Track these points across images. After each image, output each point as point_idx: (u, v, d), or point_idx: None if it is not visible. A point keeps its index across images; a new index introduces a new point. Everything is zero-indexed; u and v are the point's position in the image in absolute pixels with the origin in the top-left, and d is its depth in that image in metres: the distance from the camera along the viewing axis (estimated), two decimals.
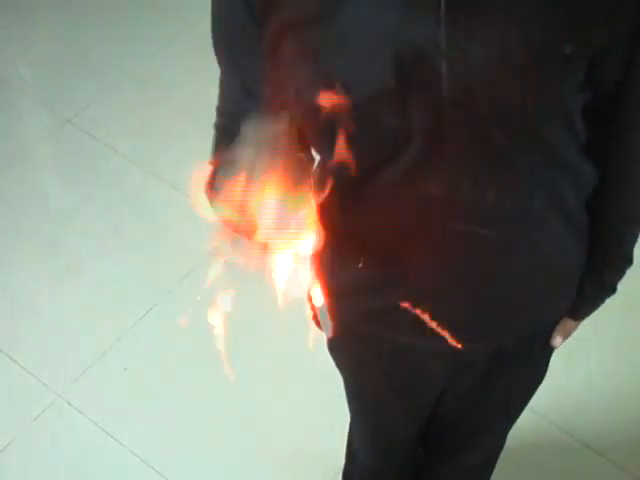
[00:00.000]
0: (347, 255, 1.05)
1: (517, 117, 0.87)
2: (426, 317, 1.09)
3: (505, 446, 1.62)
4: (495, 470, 1.69)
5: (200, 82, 2.61)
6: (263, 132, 0.78)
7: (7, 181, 2.55)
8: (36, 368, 2.12)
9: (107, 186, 2.53)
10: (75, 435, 2.02)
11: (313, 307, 0.92)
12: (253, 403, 2.02)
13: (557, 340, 1.19)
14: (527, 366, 1.25)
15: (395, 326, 1.11)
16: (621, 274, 1.11)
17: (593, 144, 0.96)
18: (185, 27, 2.94)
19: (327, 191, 0.98)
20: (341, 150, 0.92)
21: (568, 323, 1.17)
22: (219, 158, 0.85)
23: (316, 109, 0.86)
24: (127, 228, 2.42)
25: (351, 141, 0.89)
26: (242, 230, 0.78)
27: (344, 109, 0.84)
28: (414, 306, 1.07)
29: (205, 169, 0.84)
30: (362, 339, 1.19)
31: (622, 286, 1.13)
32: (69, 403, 2.06)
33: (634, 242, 1.08)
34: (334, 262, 1.07)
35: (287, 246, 0.79)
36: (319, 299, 0.85)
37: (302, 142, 0.91)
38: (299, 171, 0.79)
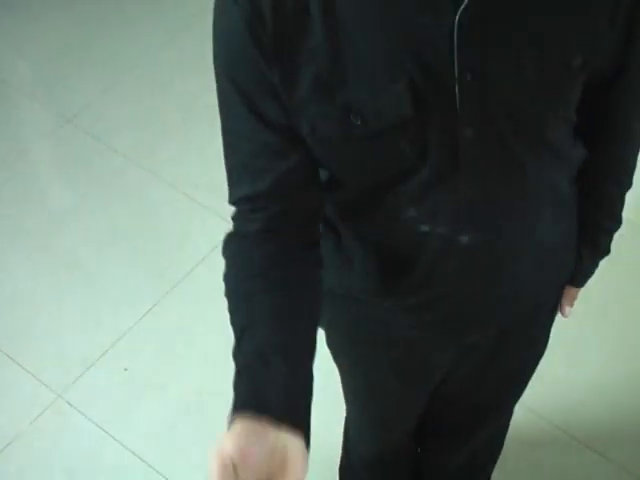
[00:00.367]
0: (354, 259, 1.06)
1: (530, 127, 0.89)
2: (429, 315, 1.10)
3: (505, 446, 1.62)
4: (495, 470, 1.69)
5: (200, 82, 2.61)
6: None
7: (7, 180, 2.55)
8: (36, 368, 2.12)
9: (107, 185, 2.53)
10: (75, 435, 2.01)
11: None
12: None
13: (566, 310, 1.23)
14: (530, 343, 1.27)
15: (402, 324, 1.12)
16: (613, 235, 1.16)
17: (583, 124, 0.98)
18: (185, 27, 2.94)
19: (339, 199, 0.99)
20: (353, 173, 0.93)
21: (572, 291, 1.21)
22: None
23: (329, 140, 0.86)
24: (127, 228, 2.42)
25: (364, 164, 0.90)
26: None
27: (359, 139, 0.85)
28: (418, 305, 1.08)
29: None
30: (365, 334, 1.20)
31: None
32: (69, 403, 2.06)
33: (623, 204, 1.13)
34: (340, 265, 1.07)
35: None
36: None
37: (310, 165, 0.91)
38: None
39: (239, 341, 0.86)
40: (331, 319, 1.20)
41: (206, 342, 2.11)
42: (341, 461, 1.73)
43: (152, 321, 2.21)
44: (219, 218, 2.25)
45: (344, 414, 1.51)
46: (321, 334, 1.25)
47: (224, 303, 0.91)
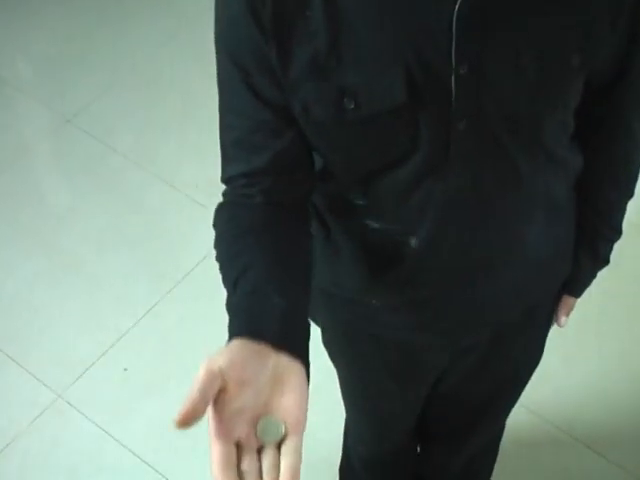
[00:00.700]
0: (347, 254, 1.06)
1: (526, 127, 0.89)
2: (424, 316, 1.10)
3: (505, 446, 1.62)
4: (495, 470, 1.69)
5: (200, 82, 2.61)
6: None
7: (6, 180, 2.55)
8: (36, 368, 2.12)
9: (106, 185, 2.53)
10: (75, 435, 2.01)
11: None
12: None
13: (562, 319, 1.23)
14: (525, 347, 1.27)
15: (393, 324, 1.12)
16: (613, 245, 1.15)
17: (583, 127, 0.98)
18: (185, 27, 2.94)
19: (330, 189, 0.99)
20: (344, 158, 0.93)
21: (569, 300, 1.21)
22: None
23: (322, 123, 0.87)
24: (127, 227, 2.42)
25: (356, 150, 0.90)
26: None
27: (352, 123, 0.85)
28: (413, 305, 1.08)
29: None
30: (360, 334, 1.20)
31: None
32: (69, 403, 2.06)
33: (624, 213, 1.12)
34: (333, 261, 1.07)
35: None
36: None
37: (303, 146, 0.92)
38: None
39: (234, 289, 0.83)
40: (326, 319, 1.20)
41: (206, 342, 2.11)
42: (341, 461, 1.73)
43: (152, 321, 2.21)
44: None
45: (344, 414, 1.51)
46: (319, 334, 1.25)
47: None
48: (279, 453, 0.69)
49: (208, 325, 2.12)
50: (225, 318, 0.89)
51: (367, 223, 1.00)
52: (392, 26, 0.80)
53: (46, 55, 2.92)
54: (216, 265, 0.90)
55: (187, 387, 0.69)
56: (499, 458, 1.66)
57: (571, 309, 1.23)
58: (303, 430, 0.70)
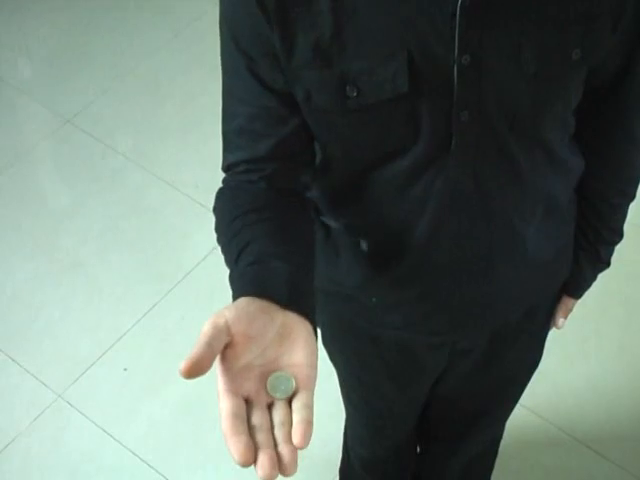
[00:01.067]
0: (347, 253, 1.06)
1: (526, 121, 0.89)
2: (423, 314, 1.10)
3: (505, 446, 1.62)
4: (495, 470, 1.69)
5: (200, 82, 2.61)
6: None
7: (7, 180, 2.55)
8: (36, 368, 2.12)
9: (107, 185, 2.53)
10: (75, 435, 2.02)
11: None
12: None
13: (560, 321, 1.23)
14: (524, 348, 1.27)
15: (393, 323, 1.12)
16: (613, 248, 1.15)
17: (584, 128, 0.99)
18: (185, 27, 2.94)
19: (330, 183, 0.99)
20: (346, 148, 0.93)
21: (568, 302, 1.21)
22: None
23: (323, 110, 0.87)
24: (127, 227, 2.42)
25: (357, 139, 0.90)
26: None
27: (354, 111, 0.85)
28: (413, 303, 1.08)
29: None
30: (359, 333, 1.20)
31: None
32: (69, 403, 2.06)
33: (625, 216, 1.12)
34: (333, 261, 1.08)
35: None
36: None
37: (306, 134, 0.92)
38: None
39: (236, 264, 0.81)
40: (325, 318, 1.20)
41: None
42: (341, 461, 1.73)
43: (152, 321, 2.21)
44: None
45: (344, 414, 1.51)
46: (319, 334, 1.25)
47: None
48: (290, 409, 0.68)
49: None
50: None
51: (366, 220, 1.00)
52: (396, 13, 0.80)
53: (46, 55, 2.92)
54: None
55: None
56: (499, 458, 1.66)
57: (570, 310, 1.23)
58: (314, 386, 0.70)
